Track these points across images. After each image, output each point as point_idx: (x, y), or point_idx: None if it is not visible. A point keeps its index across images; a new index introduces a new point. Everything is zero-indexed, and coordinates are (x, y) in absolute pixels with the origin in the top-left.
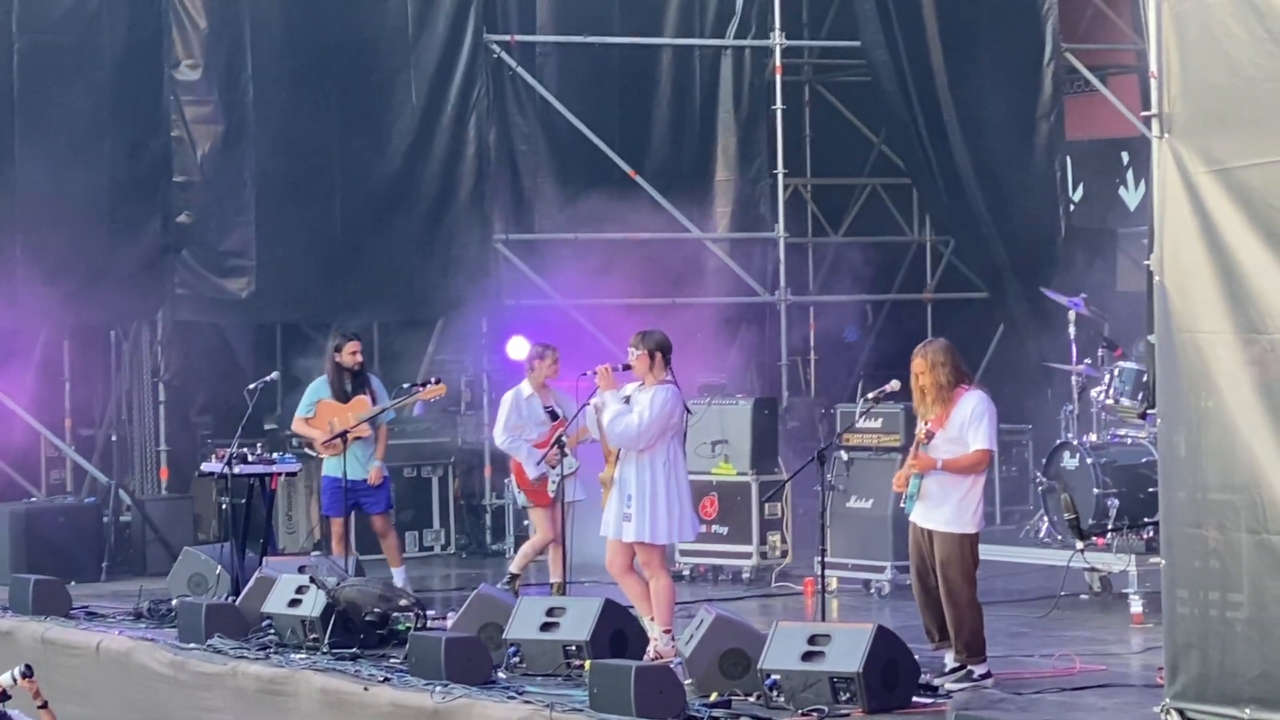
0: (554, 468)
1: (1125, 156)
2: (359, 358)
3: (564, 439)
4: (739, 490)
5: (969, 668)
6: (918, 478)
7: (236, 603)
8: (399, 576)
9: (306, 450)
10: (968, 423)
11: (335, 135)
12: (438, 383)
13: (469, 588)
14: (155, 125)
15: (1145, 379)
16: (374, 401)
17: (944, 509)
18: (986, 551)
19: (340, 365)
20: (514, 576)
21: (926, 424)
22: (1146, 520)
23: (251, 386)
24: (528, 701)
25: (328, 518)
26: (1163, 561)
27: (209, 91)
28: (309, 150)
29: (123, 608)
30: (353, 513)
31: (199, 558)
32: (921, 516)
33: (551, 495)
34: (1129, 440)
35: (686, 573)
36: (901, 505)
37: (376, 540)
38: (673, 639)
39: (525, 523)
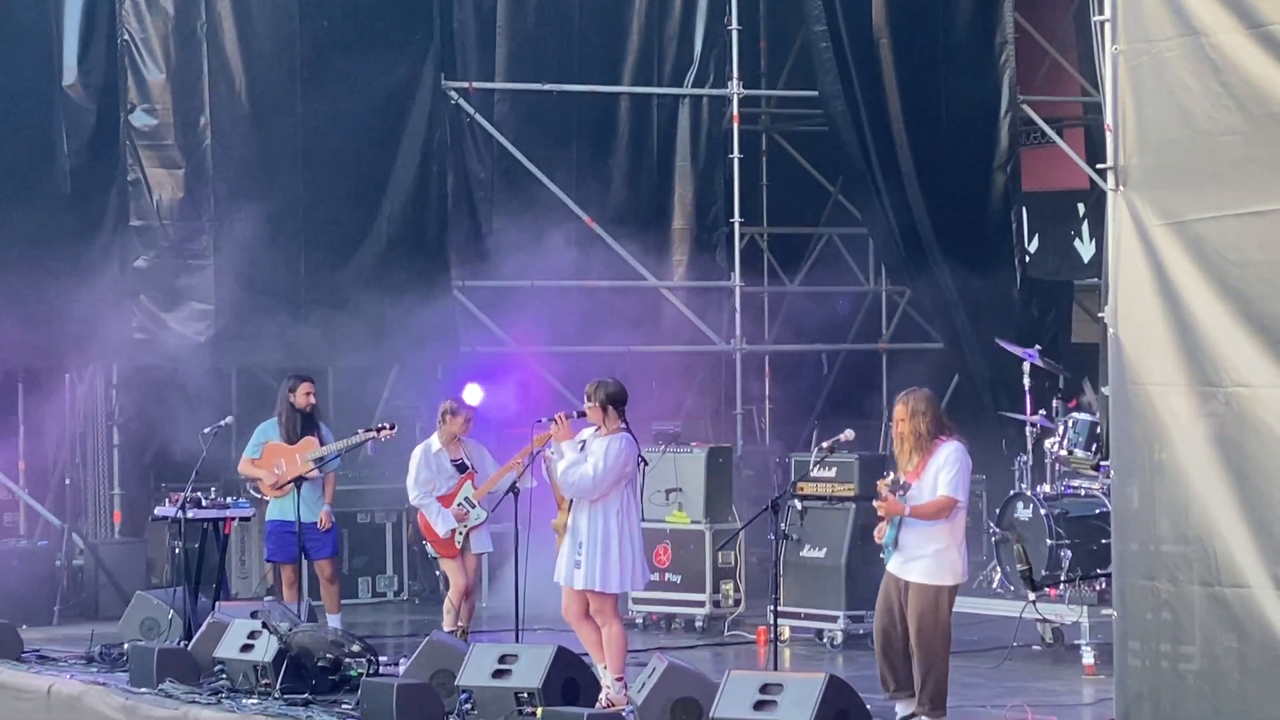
0: (461, 521)
1: (1081, 208)
2: (312, 399)
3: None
4: (692, 538)
5: (922, 718)
6: (893, 528)
7: (189, 647)
8: (334, 623)
9: (253, 492)
10: (940, 471)
11: (294, 180)
12: (391, 427)
13: (421, 634)
14: (112, 169)
15: (1099, 430)
16: (321, 445)
17: (921, 561)
18: None
19: (293, 406)
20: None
21: (903, 475)
22: (1099, 572)
23: (206, 430)
24: None
25: (273, 563)
26: (1115, 613)
27: (166, 136)
28: (267, 194)
29: (74, 651)
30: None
31: (151, 602)
32: (898, 567)
33: (459, 546)
34: (1083, 492)
35: (639, 620)
36: (881, 556)
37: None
38: (625, 687)
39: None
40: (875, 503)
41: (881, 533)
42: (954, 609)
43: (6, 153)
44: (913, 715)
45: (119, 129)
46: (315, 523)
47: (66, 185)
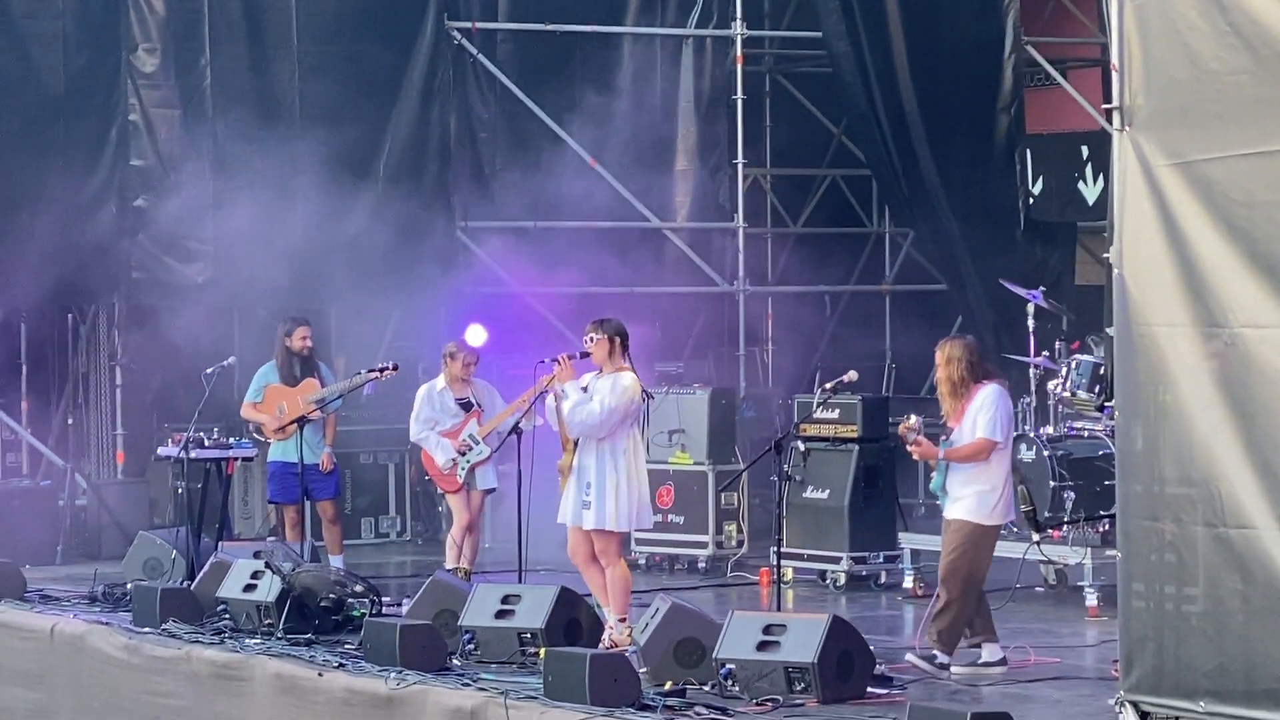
0: (463, 455)
1: (1085, 150)
2: (309, 342)
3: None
4: (696, 480)
5: (936, 652)
6: (940, 473)
7: (191, 587)
8: (337, 563)
9: (255, 435)
10: (978, 414)
11: (295, 121)
12: (395, 368)
13: (424, 574)
14: (113, 108)
15: (1103, 372)
16: (322, 387)
17: (962, 501)
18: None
19: (290, 350)
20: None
21: (915, 419)
22: (1103, 513)
23: (209, 371)
24: (482, 689)
25: (275, 504)
26: (1119, 554)
27: (166, 76)
28: (268, 135)
29: (77, 591)
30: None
31: (154, 542)
32: (947, 508)
33: (461, 481)
34: (1086, 433)
35: (642, 562)
36: (936, 502)
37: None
38: (628, 627)
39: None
40: (909, 446)
41: (934, 478)
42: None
43: (6, 92)
44: (983, 659)
45: (119, 69)
46: (317, 464)
47: (67, 125)
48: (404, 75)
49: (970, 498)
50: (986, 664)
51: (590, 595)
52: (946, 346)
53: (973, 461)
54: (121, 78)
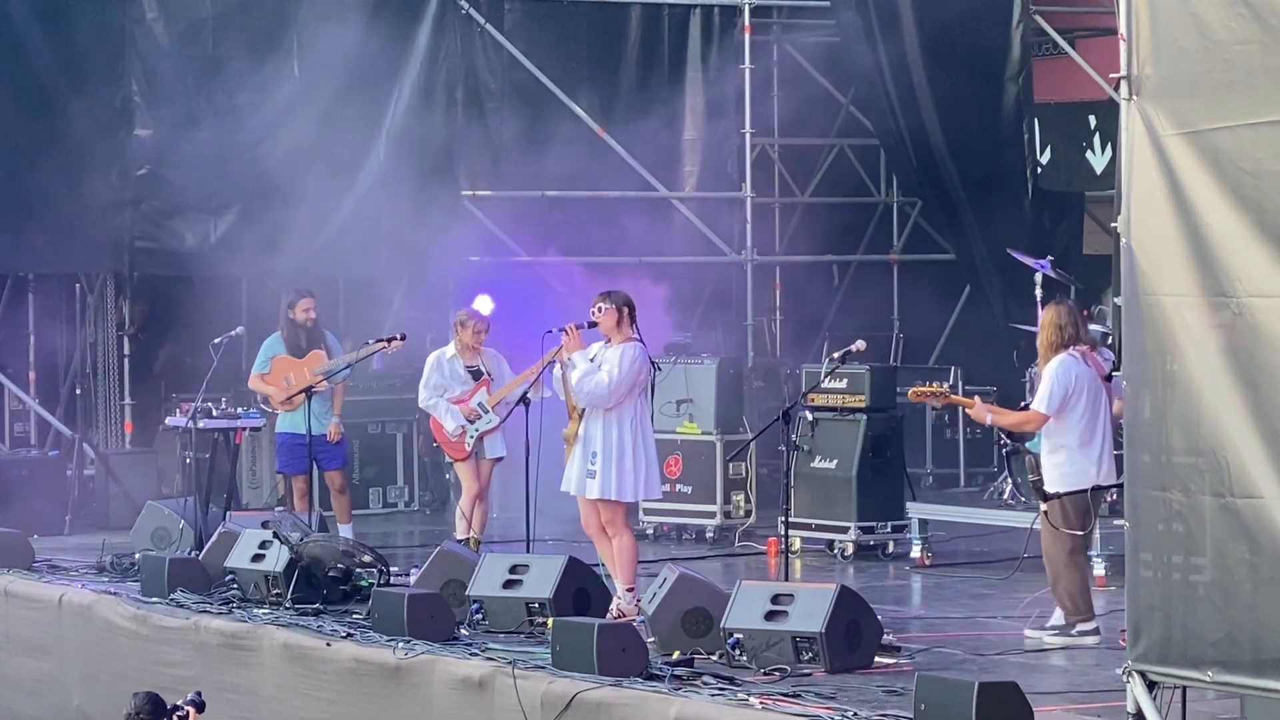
0: (472, 423)
1: (1093, 119)
2: (312, 314)
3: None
4: (703, 449)
5: (1073, 622)
6: (1036, 443)
7: (199, 557)
8: (346, 533)
9: (263, 406)
10: (1040, 383)
11: (300, 91)
12: (403, 338)
13: (432, 544)
14: (118, 78)
15: (1111, 341)
16: (330, 357)
17: (1051, 471)
18: (950, 514)
19: (294, 322)
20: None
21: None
22: (1111, 483)
23: (216, 341)
24: (490, 658)
25: (284, 474)
26: (1126, 524)
27: (170, 44)
28: (271, 103)
29: (85, 561)
30: (314, 469)
31: (162, 512)
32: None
33: (469, 449)
34: None
35: (650, 531)
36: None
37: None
38: (636, 597)
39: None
40: (969, 410)
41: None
42: (964, 520)
43: (10, 62)
44: (1067, 625)
45: (124, 38)
46: (325, 434)
47: (72, 94)
48: (410, 45)
49: (1052, 469)
50: (1054, 628)
51: (599, 565)
52: (1043, 313)
53: (1021, 429)
54: (126, 47)
